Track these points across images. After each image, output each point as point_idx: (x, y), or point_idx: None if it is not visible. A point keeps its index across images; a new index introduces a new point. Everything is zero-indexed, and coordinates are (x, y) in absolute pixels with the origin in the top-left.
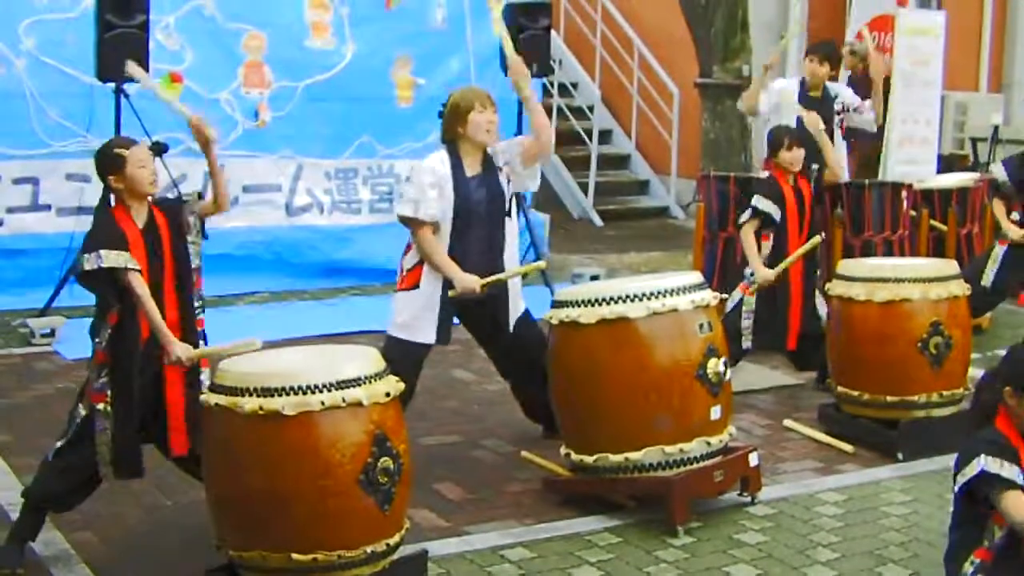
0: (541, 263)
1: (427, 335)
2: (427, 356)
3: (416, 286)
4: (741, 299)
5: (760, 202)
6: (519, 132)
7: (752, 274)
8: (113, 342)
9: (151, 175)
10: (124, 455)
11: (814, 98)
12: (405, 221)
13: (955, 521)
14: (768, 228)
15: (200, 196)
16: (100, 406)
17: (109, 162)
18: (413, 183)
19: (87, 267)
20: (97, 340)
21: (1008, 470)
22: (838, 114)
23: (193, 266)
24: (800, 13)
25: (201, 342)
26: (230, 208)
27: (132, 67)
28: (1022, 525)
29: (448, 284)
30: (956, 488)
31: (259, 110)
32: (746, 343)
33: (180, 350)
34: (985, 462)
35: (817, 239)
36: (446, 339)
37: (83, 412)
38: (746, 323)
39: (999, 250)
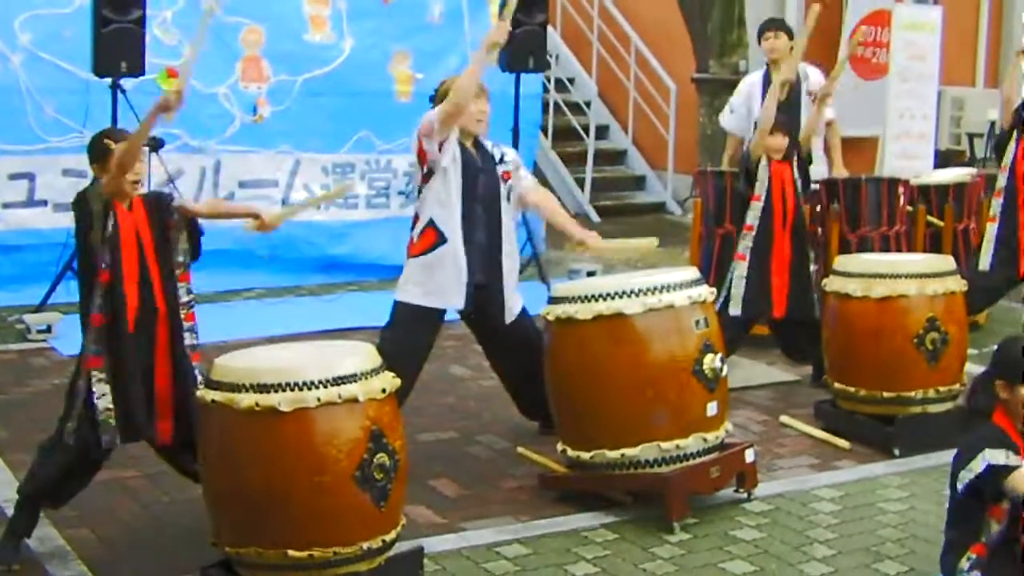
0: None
1: (454, 299)
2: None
3: (433, 247)
4: (733, 266)
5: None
6: (515, 126)
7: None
8: (109, 303)
9: (133, 175)
10: (131, 418)
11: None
12: (420, 157)
13: (951, 518)
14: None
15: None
16: (97, 371)
17: (96, 150)
18: (427, 114)
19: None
20: (93, 304)
21: (1014, 459)
22: (809, 94)
23: (180, 260)
24: (797, 9)
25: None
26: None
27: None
28: None
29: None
30: (959, 486)
31: (258, 105)
32: (735, 310)
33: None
34: (991, 456)
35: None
36: (472, 303)
37: (83, 383)
38: (736, 291)
39: (991, 229)
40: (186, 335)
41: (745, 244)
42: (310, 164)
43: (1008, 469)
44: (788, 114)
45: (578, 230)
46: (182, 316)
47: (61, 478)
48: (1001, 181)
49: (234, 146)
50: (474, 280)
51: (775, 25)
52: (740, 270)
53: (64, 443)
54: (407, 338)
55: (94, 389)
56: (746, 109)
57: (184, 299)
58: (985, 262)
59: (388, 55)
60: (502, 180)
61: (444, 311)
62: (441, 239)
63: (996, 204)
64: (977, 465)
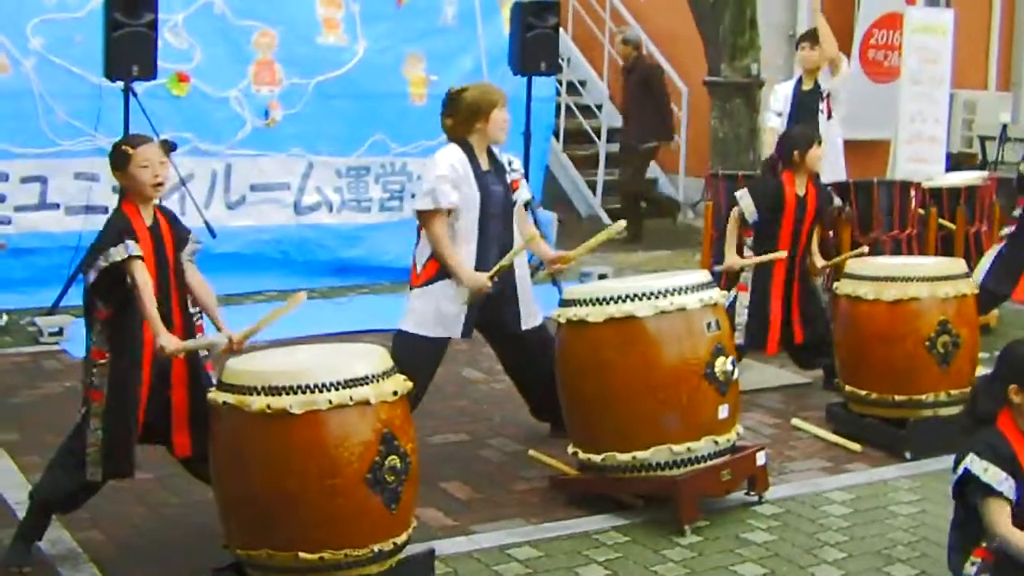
0: (620, 224)
1: (452, 329)
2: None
3: (434, 279)
4: (735, 297)
5: (742, 197)
6: (527, 129)
7: (752, 272)
8: (110, 338)
9: (152, 177)
10: (113, 454)
11: (807, 91)
12: (422, 215)
13: (955, 520)
14: (745, 226)
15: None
16: (95, 404)
17: (115, 158)
18: (428, 176)
19: (118, 258)
20: (92, 338)
21: (992, 474)
22: (822, 99)
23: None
24: (809, 13)
25: (233, 329)
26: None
27: None
28: (999, 538)
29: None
30: (951, 484)
31: (270, 108)
32: (739, 339)
33: (165, 340)
34: (970, 462)
35: (780, 255)
36: (470, 333)
37: (83, 410)
38: (740, 319)
39: (993, 248)
40: None
41: (746, 277)
42: (323, 167)
43: (981, 486)
44: (809, 124)
45: (551, 253)
46: (195, 329)
47: (68, 494)
48: (1018, 211)
49: (245, 150)
50: (482, 297)
51: (810, 37)
52: (742, 300)
53: (67, 456)
54: (416, 358)
55: (89, 423)
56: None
57: (192, 309)
58: (979, 276)
59: (401, 57)
60: (512, 188)
61: (447, 338)
62: (443, 271)
63: (1007, 229)
64: (959, 468)
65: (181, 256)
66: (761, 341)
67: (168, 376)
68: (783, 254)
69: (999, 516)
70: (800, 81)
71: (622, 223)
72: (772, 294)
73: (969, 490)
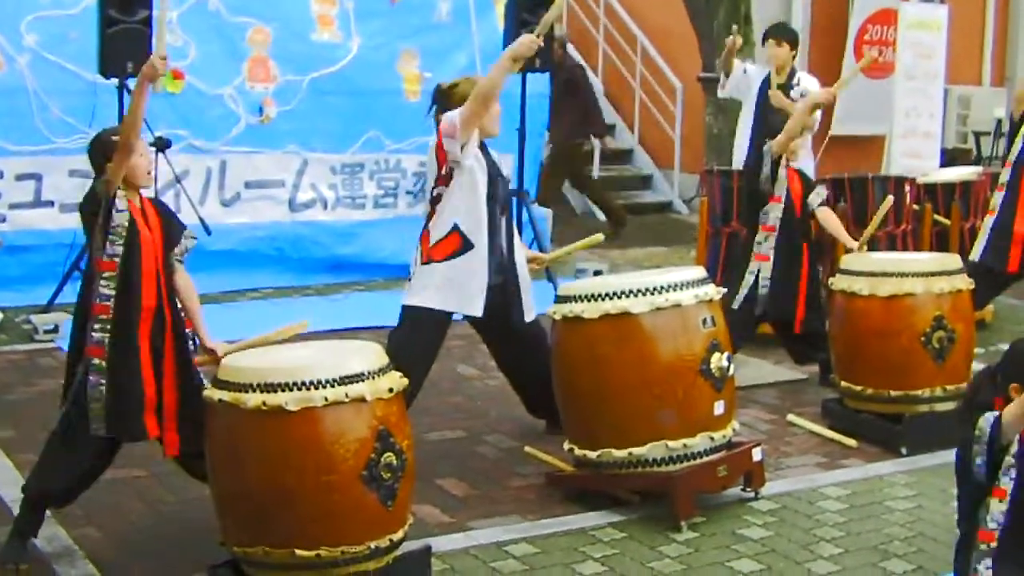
0: (599, 236)
1: (472, 306)
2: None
3: (459, 252)
4: (759, 268)
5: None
6: (522, 126)
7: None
8: (116, 294)
9: (148, 164)
10: (122, 412)
11: (779, 85)
12: (439, 156)
13: (963, 514)
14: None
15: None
16: (95, 360)
17: (105, 148)
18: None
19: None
20: (91, 292)
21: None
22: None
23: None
24: (803, 8)
25: (226, 342)
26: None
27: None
28: (1006, 416)
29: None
30: (979, 467)
31: (264, 105)
32: (759, 309)
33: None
34: (986, 417)
35: (889, 200)
36: (487, 310)
37: (81, 370)
38: (763, 291)
39: (988, 220)
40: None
41: (768, 245)
42: (318, 164)
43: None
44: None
45: (528, 253)
46: (184, 323)
47: (62, 475)
48: (1004, 176)
49: (240, 147)
50: (492, 283)
51: (778, 32)
52: (765, 271)
53: (60, 436)
54: (418, 341)
55: (90, 377)
56: (734, 85)
57: (180, 306)
58: (977, 252)
59: (396, 54)
60: (507, 183)
61: (452, 314)
62: (467, 245)
63: (997, 197)
64: (984, 435)
65: (171, 256)
66: (783, 311)
67: (161, 375)
68: (889, 200)
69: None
70: (769, 77)
71: (600, 236)
72: (803, 270)
73: (998, 438)
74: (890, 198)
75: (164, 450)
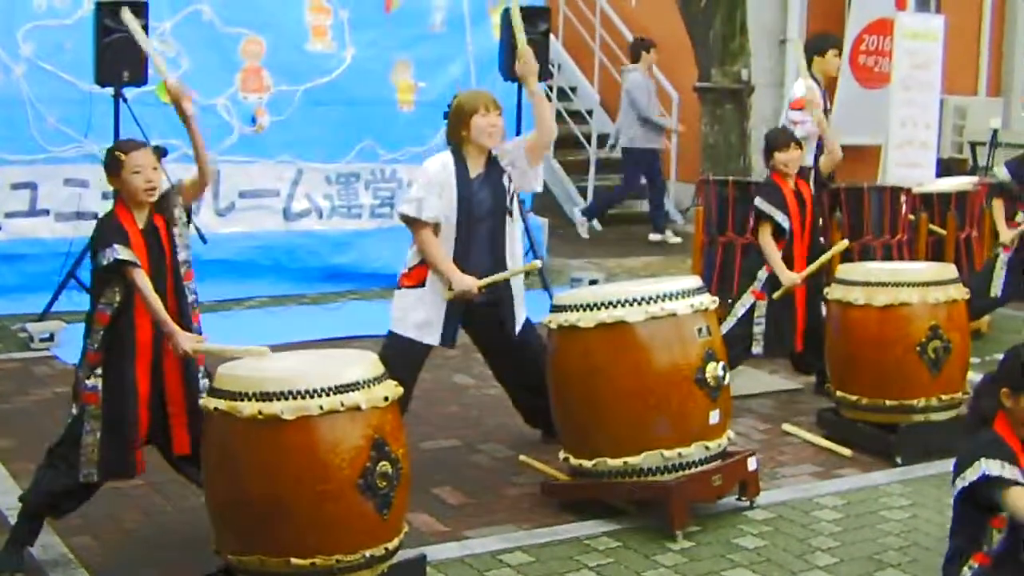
0: (536, 263)
1: (432, 336)
2: (427, 359)
3: (421, 284)
4: (753, 304)
5: (762, 204)
6: (519, 134)
7: (765, 279)
8: (107, 343)
9: (145, 183)
10: (112, 457)
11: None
12: (406, 220)
13: (955, 526)
14: (781, 235)
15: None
16: (91, 407)
17: (108, 164)
18: (416, 183)
19: (104, 262)
20: (89, 341)
21: (1009, 470)
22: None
23: (182, 259)
24: (799, 18)
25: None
26: (210, 181)
27: (126, 15)
28: None
29: (449, 285)
30: (956, 491)
31: (257, 115)
32: (757, 348)
33: (185, 341)
34: (987, 466)
35: (844, 243)
36: (451, 342)
37: (74, 412)
38: (758, 328)
39: (1004, 257)
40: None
41: (762, 282)
42: (313, 174)
43: (1003, 481)
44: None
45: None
46: (191, 319)
47: (62, 494)
48: (1020, 216)
49: (233, 156)
50: (459, 316)
51: (839, 44)
52: (760, 309)
53: (57, 463)
54: (397, 361)
55: (84, 424)
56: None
57: (190, 299)
58: (997, 289)
59: (390, 64)
60: (507, 185)
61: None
62: (428, 277)
63: (1012, 232)
64: (972, 473)
65: (178, 260)
66: (782, 348)
67: (161, 376)
68: (844, 244)
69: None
70: (820, 84)
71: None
72: (795, 296)
73: (984, 492)
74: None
75: (172, 448)
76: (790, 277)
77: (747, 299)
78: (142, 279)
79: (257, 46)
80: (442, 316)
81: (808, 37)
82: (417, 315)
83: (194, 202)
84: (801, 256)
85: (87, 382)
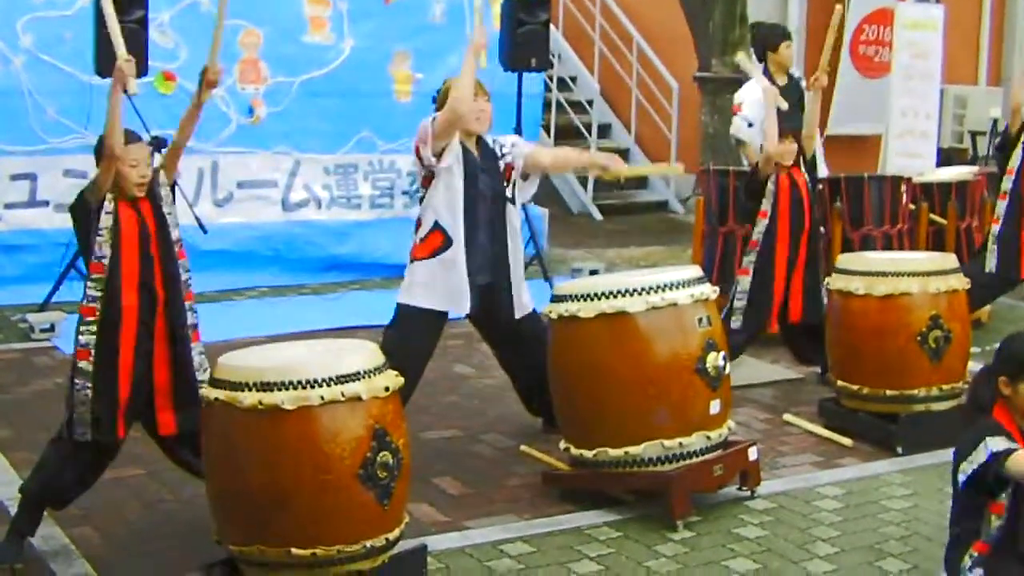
0: (678, 166)
1: (460, 304)
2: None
3: (439, 251)
4: (737, 281)
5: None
6: (518, 126)
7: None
8: (101, 298)
9: (139, 177)
10: (102, 416)
11: (781, 85)
12: (419, 157)
13: (955, 515)
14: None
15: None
16: (82, 363)
17: (101, 151)
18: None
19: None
20: (84, 295)
21: (1014, 444)
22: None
23: (174, 237)
24: (799, 7)
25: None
26: (184, 145)
27: None
28: None
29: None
30: (960, 479)
31: (253, 106)
32: (735, 322)
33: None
34: (992, 444)
35: (665, 167)
36: (477, 310)
37: (71, 374)
38: (739, 303)
39: (994, 230)
40: (188, 315)
41: (749, 259)
42: (311, 164)
43: (1009, 452)
44: (793, 118)
45: (601, 157)
46: (183, 298)
47: (64, 476)
48: (1006, 184)
49: (231, 147)
50: (478, 282)
51: (789, 36)
52: (743, 284)
53: (60, 439)
54: (411, 340)
55: (76, 381)
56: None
57: (183, 277)
58: (991, 263)
59: (388, 55)
60: (505, 179)
61: (447, 313)
62: (448, 242)
63: (1001, 206)
64: (980, 455)
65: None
66: (757, 325)
67: (150, 354)
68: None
69: None
70: (768, 75)
71: (680, 166)
72: (776, 275)
73: (993, 471)
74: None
75: (157, 430)
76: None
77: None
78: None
79: (255, 38)
80: (466, 281)
81: (808, 27)
82: (440, 284)
83: (175, 176)
84: (801, 247)
85: (80, 338)
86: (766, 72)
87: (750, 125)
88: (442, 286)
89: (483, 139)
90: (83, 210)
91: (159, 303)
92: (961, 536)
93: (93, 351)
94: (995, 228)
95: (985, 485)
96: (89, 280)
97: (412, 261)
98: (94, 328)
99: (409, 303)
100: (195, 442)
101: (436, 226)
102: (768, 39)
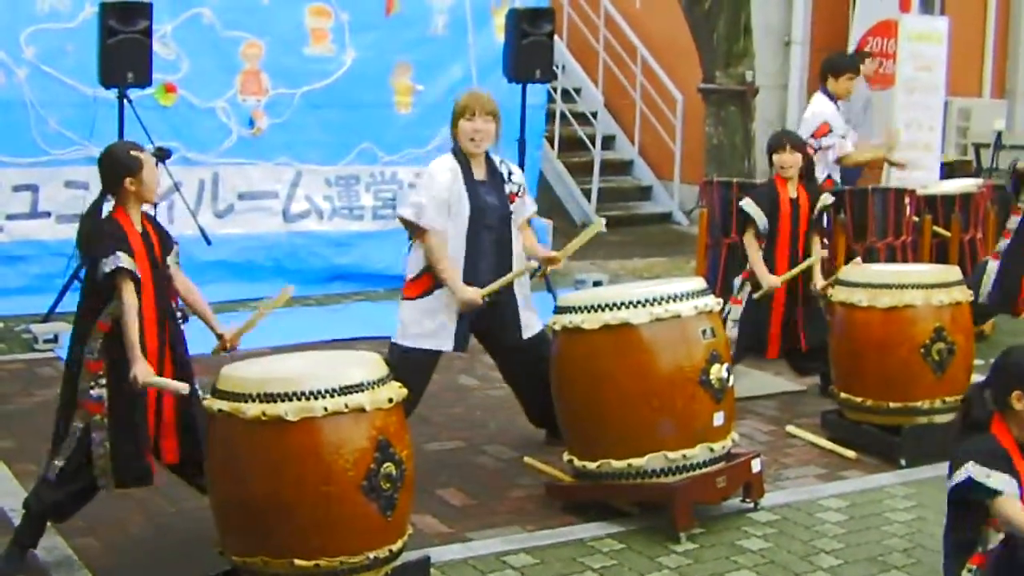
0: (532, 263)
1: (445, 341)
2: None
3: (427, 292)
4: (729, 310)
5: (747, 205)
6: (521, 136)
7: (741, 285)
8: (108, 350)
9: (156, 184)
10: (126, 464)
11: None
12: (406, 224)
13: (948, 526)
14: (761, 237)
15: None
16: (96, 417)
17: (128, 163)
18: (422, 189)
19: (107, 270)
20: (87, 349)
21: (996, 479)
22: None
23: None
24: (804, 20)
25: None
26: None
27: None
28: (1020, 528)
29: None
30: (948, 491)
31: (254, 117)
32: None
33: (139, 369)
34: (972, 470)
35: (815, 258)
36: (464, 345)
37: (80, 425)
38: (731, 334)
39: (992, 264)
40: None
41: (737, 288)
42: (312, 176)
43: (989, 491)
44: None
45: (545, 253)
46: (181, 327)
47: (65, 502)
48: (1012, 222)
49: (232, 159)
50: (479, 310)
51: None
52: (734, 314)
53: (69, 477)
54: (408, 373)
55: (93, 435)
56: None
57: (177, 314)
58: (983, 294)
59: (390, 67)
60: (509, 200)
61: (440, 352)
62: (435, 285)
63: (1003, 243)
64: (959, 475)
65: (168, 260)
66: (756, 351)
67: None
68: (817, 257)
69: (1013, 510)
70: (835, 100)
71: (602, 220)
72: (774, 300)
73: (972, 496)
74: (858, 258)
75: (163, 457)
76: (770, 280)
77: (726, 307)
78: (129, 295)
79: (256, 49)
80: (454, 320)
81: (812, 40)
82: (428, 324)
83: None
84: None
85: (92, 392)
86: (826, 92)
87: (844, 137)
88: (424, 327)
89: (490, 157)
90: (91, 270)
91: (166, 336)
92: (955, 548)
93: (107, 403)
94: (993, 263)
95: (970, 503)
96: (93, 334)
97: (403, 299)
98: (104, 381)
99: (401, 343)
100: (203, 465)
101: (426, 270)
102: (837, 66)
